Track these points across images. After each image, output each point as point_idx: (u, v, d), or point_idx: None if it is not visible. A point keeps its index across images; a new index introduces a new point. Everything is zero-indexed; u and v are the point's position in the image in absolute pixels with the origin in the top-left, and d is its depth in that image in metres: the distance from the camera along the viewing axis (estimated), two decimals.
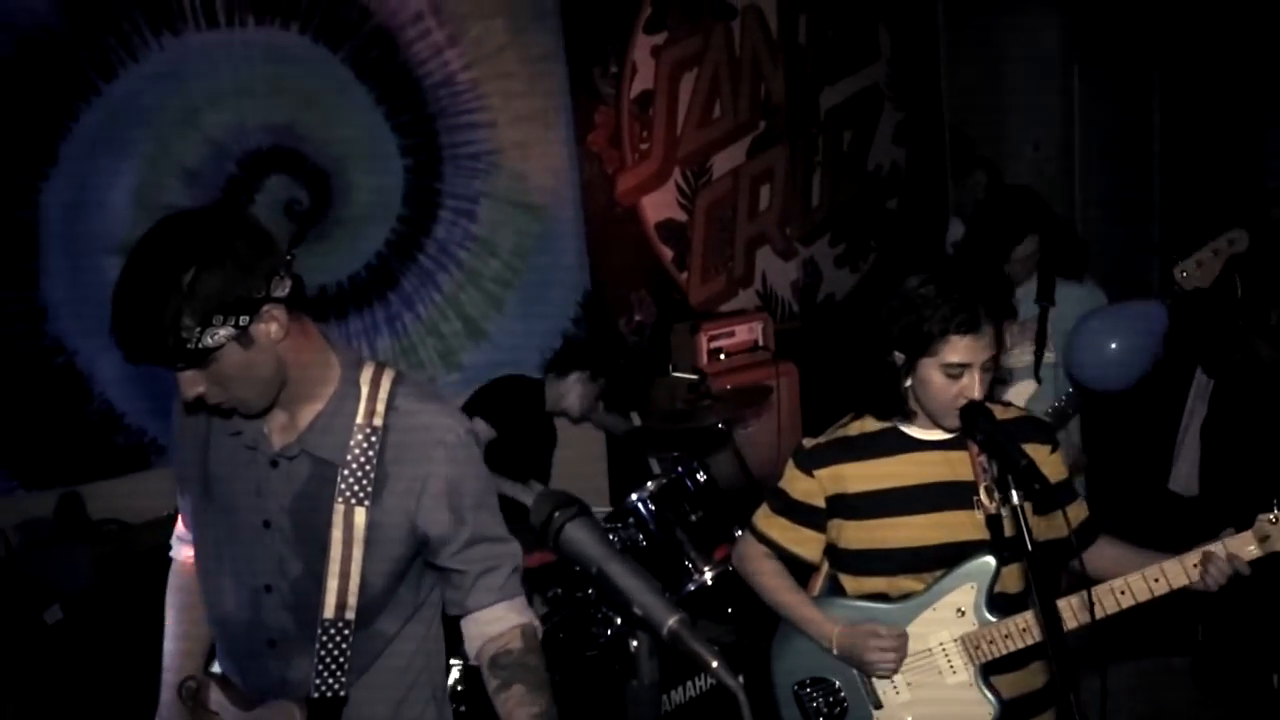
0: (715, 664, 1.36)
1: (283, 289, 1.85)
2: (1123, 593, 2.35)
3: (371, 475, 1.97)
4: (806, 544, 2.64)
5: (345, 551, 1.98)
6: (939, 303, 2.35)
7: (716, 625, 4.33)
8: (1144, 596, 2.34)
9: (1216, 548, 2.32)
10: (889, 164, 7.32)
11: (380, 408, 2.00)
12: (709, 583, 3.86)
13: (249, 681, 2.13)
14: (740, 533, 3.71)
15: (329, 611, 1.99)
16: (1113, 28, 7.79)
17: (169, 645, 2.27)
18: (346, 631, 2.01)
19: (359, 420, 1.99)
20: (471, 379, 4.91)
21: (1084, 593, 2.27)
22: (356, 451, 1.97)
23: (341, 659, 2.01)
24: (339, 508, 1.97)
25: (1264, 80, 7.43)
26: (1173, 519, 4.66)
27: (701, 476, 4.11)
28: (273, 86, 4.64)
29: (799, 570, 2.73)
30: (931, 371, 2.38)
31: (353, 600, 1.99)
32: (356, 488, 1.97)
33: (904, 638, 2.49)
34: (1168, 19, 7.65)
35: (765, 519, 2.70)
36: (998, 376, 2.51)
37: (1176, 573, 2.34)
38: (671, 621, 1.39)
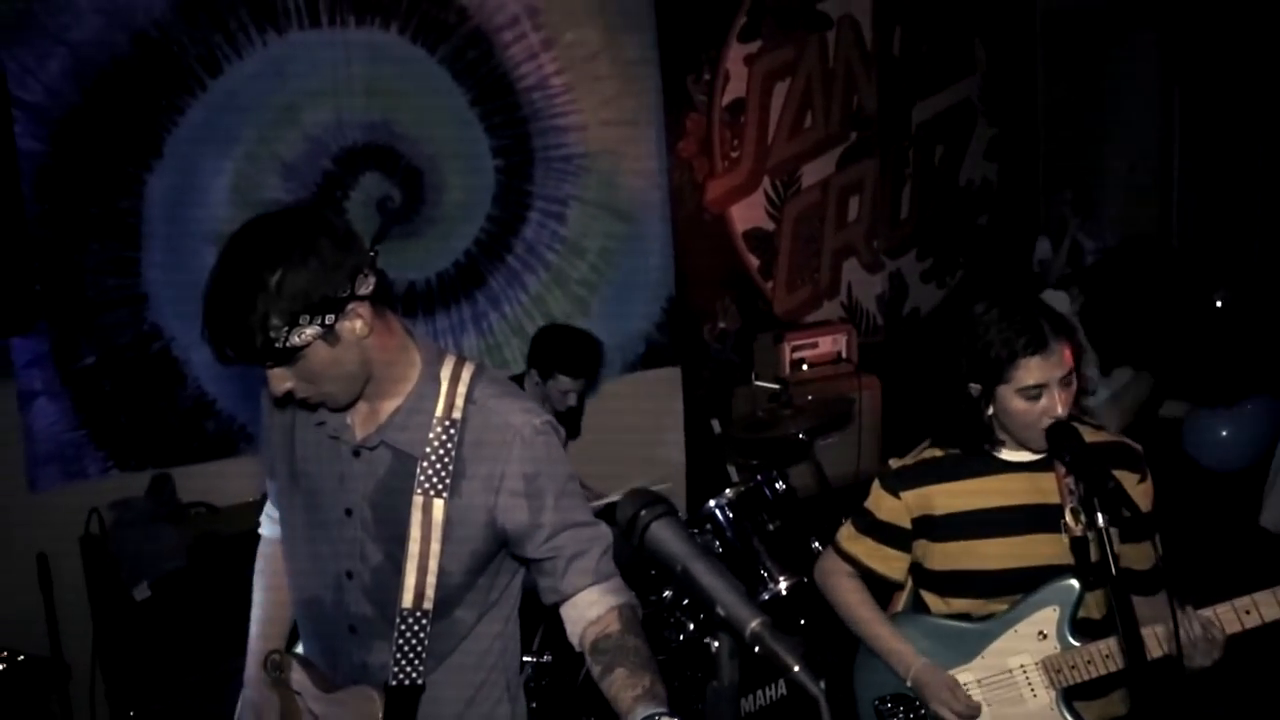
0: (798, 668, 1.35)
1: (367, 287, 1.87)
2: (1211, 623, 2.30)
3: (450, 468, 1.99)
4: (891, 563, 2.64)
5: (424, 544, 2.00)
6: (1004, 327, 2.34)
7: (789, 636, 4.31)
8: (1233, 628, 2.30)
9: None
10: (980, 179, 7.23)
11: (459, 401, 2.02)
12: (784, 593, 3.84)
13: (330, 665, 2.16)
14: (820, 547, 3.71)
15: (407, 601, 2.01)
16: (1213, 52, 7.61)
17: (256, 619, 2.32)
18: (425, 621, 2.03)
19: (438, 414, 2.01)
20: None
21: (1170, 622, 2.22)
22: (435, 444, 2.00)
23: (420, 648, 2.04)
24: (418, 499, 1.99)
25: None
26: (1264, 556, 4.55)
27: (780, 486, 4.10)
28: (370, 85, 4.72)
29: (880, 587, 2.72)
30: (1010, 397, 2.36)
31: (430, 591, 2.02)
32: (435, 480, 1.99)
33: (976, 710, 2.47)
34: (1269, 44, 7.46)
35: (850, 538, 2.69)
36: (1082, 388, 2.47)
37: (1270, 605, 2.29)
38: (754, 623, 1.38)
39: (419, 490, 1.99)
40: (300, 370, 1.87)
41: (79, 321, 4.17)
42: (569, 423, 4.60)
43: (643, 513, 1.48)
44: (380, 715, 2.04)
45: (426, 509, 1.99)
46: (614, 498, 4.13)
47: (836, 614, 2.73)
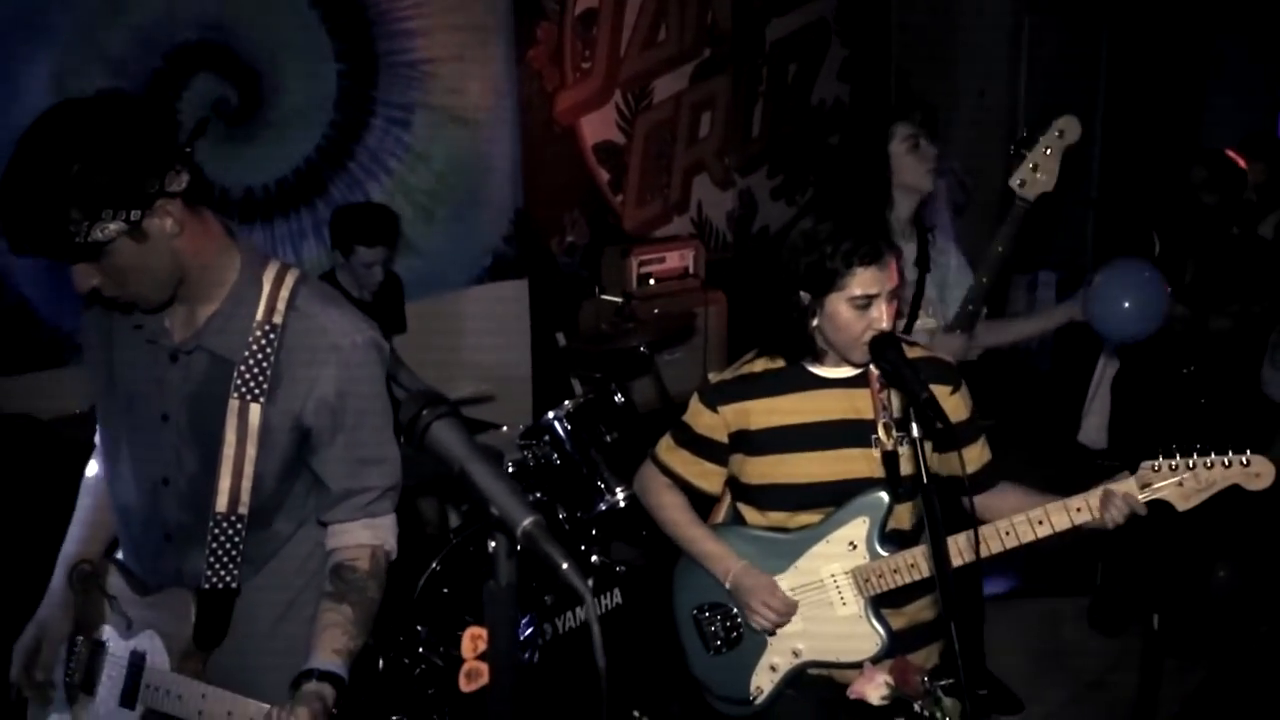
0: (565, 565, 1.36)
1: (179, 183, 1.83)
2: (1008, 534, 2.41)
3: (268, 373, 1.98)
4: (708, 477, 2.69)
5: (239, 448, 1.99)
6: (840, 238, 2.38)
7: (629, 548, 4.39)
8: (1028, 538, 2.40)
9: (1097, 491, 2.39)
10: (833, 100, 7.30)
11: (281, 306, 2.00)
12: (621, 504, 3.90)
13: (147, 571, 2.15)
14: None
15: (222, 505, 2.01)
16: None
17: (72, 532, 2.29)
18: (240, 526, 2.03)
19: (258, 318, 1.99)
20: None
21: (970, 532, 2.32)
22: (255, 348, 1.98)
23: (234, 553, 2.04)
24: (234, 404, 1.98)
25: (1208, 45, 7.50)
26: (1081, 471, 4.78)
27: (620, 399, 4.14)
28: None
29: (700, 501, 2.77)
30: (839, 306, 2.41)
31: (245, 496, 2.02)
32: (252, 384, 1.98)
33: (793, 608, 2.54)
34: None
35: (668, 450, 2.74)
36: (900, 310, 2.55)
37: (1060, 515, 2.40)
38: (526, 522, 1.39)
39: (235, 394, 1.98)
40: (106, 267, 1.82)
41: None
42: (390, 311, 4.59)
43: (424, 412, 1.49)
44: (193, 617, 2.03)
45: (242, 414, 1.98)
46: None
47: (656, 523, 2.78)
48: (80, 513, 2.30)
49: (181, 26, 4.45)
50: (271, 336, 1.98)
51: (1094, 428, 4.80)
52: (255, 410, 1.98)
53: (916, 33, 7.77)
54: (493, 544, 1.42)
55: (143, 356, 2.02)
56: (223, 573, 2.04)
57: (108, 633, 2.15)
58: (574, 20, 5.79)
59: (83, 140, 1.74)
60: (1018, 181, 3.21)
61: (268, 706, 1.90)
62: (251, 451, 2.00)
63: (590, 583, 1.38)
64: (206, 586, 2.04)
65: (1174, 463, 2.36)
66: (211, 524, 2.02)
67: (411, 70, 5.16)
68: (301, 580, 2.17)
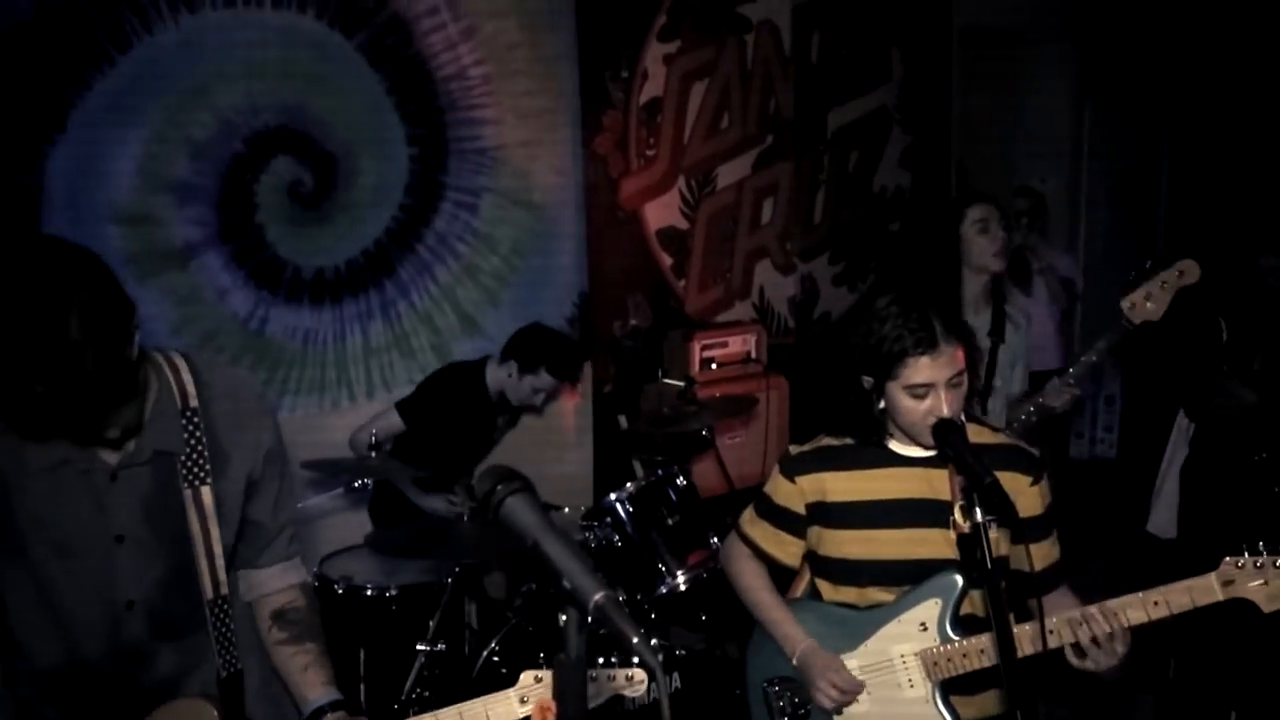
0: (636, 639, 1.38)
1: None
2: (1080, 625, 2.37)
3: (205, 454, 2.03)
4: (785, 548, 2.69)
5: (205, 533, 2.04)
6: (898, 324, 2.39)
7: (689, 632, 4.36)
8: (1102, 630, 2.36)
9: (1178, 587, 2.34)
10: (894, 187, 7.35)
11: (190, 389, 2.05)
12: (681, 587, 3.89)
13: (109, 710, 2.08)
14: (719, 543, 3.76)
15: (209, 593, 2.07)
16: (1128, 69, 7.82)
17: None
18: (227, 606, 2.10)
19: (178, 405, 2.02)
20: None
21: (1039, 621, 2.29)
22: (186, 435, 2.03)
23: (231, 635, 2.09)
24: (188, 494, 2.03)
25: (1273, 131, 7.46)
26: (1151, 562, 4.69)
27: (682, 482, 4.14)
28: (285, 68, 4.65)
29: (783, 574, 2.78)
30: (898, 394, 2.42)
31: (223, 576, 2.08)
32: (195, 469, 2.04)
33: (859, 688, 2.52)
34: (1183, 66, 7.69)
35: (750, 522, 2.76)
36: (974, 389, 2.54)
37: (1137, 610, 2.36)
38: (598, 596, 1.41)
39: (186, 485, 2.02)
40: None
41: None
42: (514, 413, 4.75)
43: (498, 488, 1.52)
44: (217, 714, 2.04)
45: (196, 500, 2.04)
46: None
47: (737, 595, 2.78)
48: None
49: (263, 112, 4.62)
50: (196, 420, 2.02)
51: (1164, 517, 4.71)
52: (206, 492, 2.04)
53: (977, 120, 7.82)
54: (564, 618, 1.43)
55: (71, 491, 1.96)
56: (229, 657, 2.10)
57: None
58: (639, 108, 5.90)
59: (70, 275, 1.77)
60: (1128, 304, 3.36)
61: None
62: (215, 531, 2.05)
63: (661, 658, 1.38)
64: (224, 675, 2.09)
65: (1259, 560, 2.30)
66: (208, 613, 2.07)
67: (480, 156, 5.28)
68: (254, 639, 2.23)
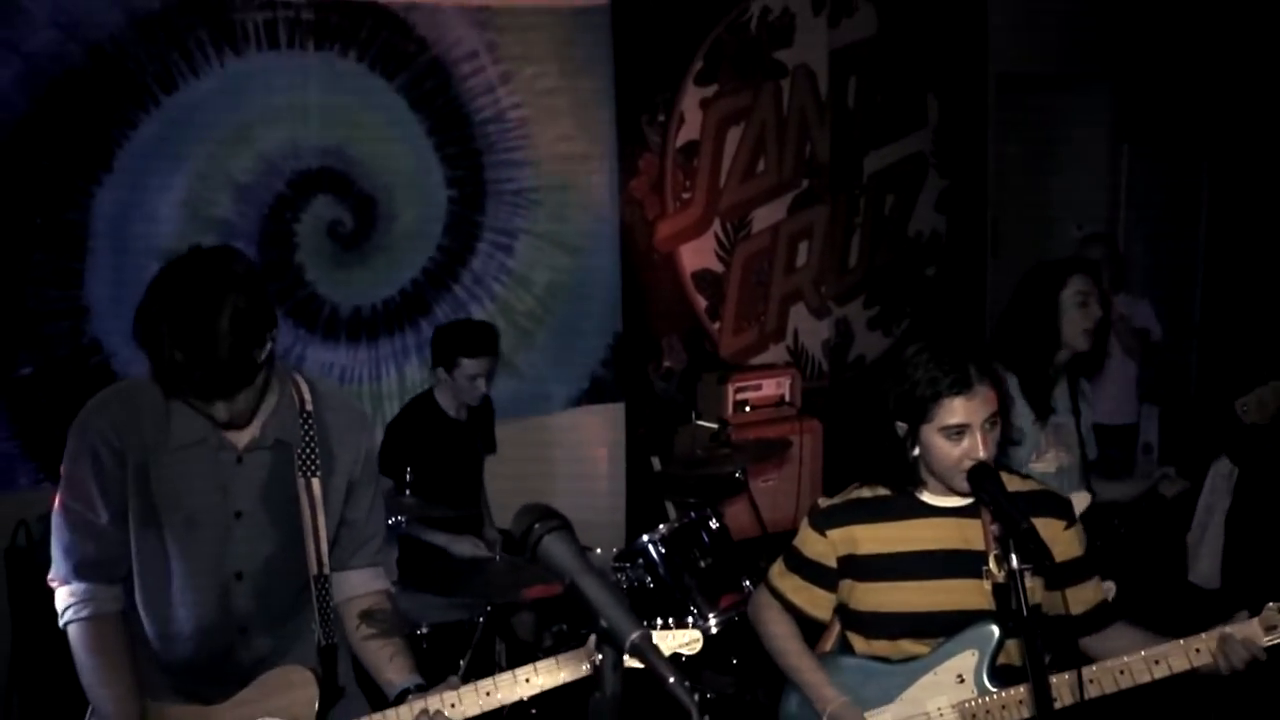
0: (672, 679, 1.39)
1: None
2: (1121, 673, 2.34)
3: (318, 451, 2.28)
4: (817, 603, 2.66)
5: (313, 518, 2.27)
6: (931, 367, 2.39)
7: (719, 675, 4.33)
8: (1143, 678, 2.33)
9: (1216, 632, 2.31)
10: (929, 231, 7.34)
11: (306, 395, 2.31)
12: (713, 631, 3.87)
13: (212, 678, 2.27)
14: (751, 587, 3.72)
15: (314, 569, 2.28)
16: (1164, 112, 7.80)
17: (112, 696, 2.18)
18: (328, 585, 2.31)
19: (297, 406, 2.29)
20: (498, 411, 4.92)
21: (1077, 670, 2.26)
22: (302, 432, 2.27)
23: (330, 609, 2.32)
24: (300, 481, 2.27)
25: None
26: (1196, 612, 4.61)
27: (715, 524, 4.13)
28: (327, 111, 4.75)
29: (812, 626, 2.74)
30: (933, 436, 2.41)
31: (326, 559, 2.30)
32: (309, 463, 2.27)
33: None
34: (1220, 107, 7.67)
35: (779, 575, 2.72)
36: (1007, 438, 2.53)
37: (1178, 657, 2.33)
38: (635, 635, 1.42)
39: (300, 474, 2.26)
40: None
41: (19, 331, 4.15)
42: (482, 431, 4.62)
43: (536, 526, 1.54)
44: (317, 683, 2.24)
45: (308, 489, 2.27)
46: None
47: (766, 649, 2.75)
48: (109, 671, 2.19)
49: (305, 154, 4.70)
50: (311, 421, 2.28)
51: (1207, 567, 4.64)
52: (316, 484, 2.27)
53: (1013, 164, 7.81)
54: (599, 656, 1.44)
55: (202, 468, 2.21)
56: (329, 630, 2.30)
57: None
58: (675, 152, 5.95)
59: (237, 281, 2.05)
60: (1243, 406, 3.43)
61: None
62: (321, 519, 2.27)
63: (696, 698, 1.38)
64: (324, 644, 2.29)
65: None
66: (313, 586, 2.28)
67: (517, 198, 5.33)
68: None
